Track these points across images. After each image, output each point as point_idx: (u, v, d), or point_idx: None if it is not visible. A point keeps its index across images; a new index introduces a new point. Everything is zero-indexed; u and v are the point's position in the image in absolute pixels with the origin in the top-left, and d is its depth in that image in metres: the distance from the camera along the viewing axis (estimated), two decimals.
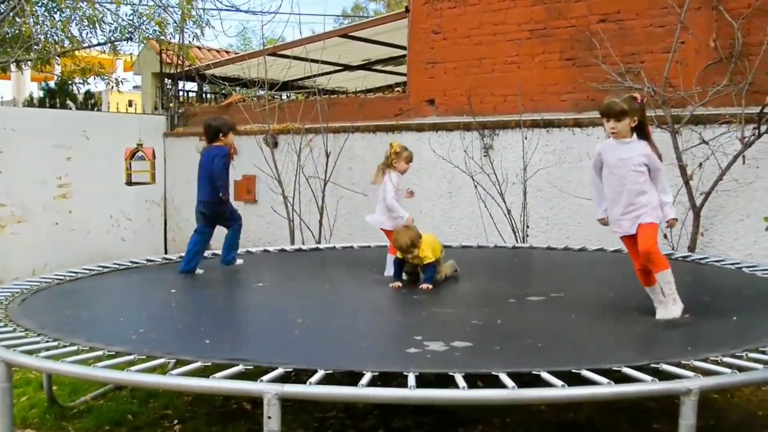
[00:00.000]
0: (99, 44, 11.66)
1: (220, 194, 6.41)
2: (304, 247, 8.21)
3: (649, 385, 3.28)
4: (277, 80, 10.91)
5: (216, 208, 6.51)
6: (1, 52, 11.17)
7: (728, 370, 3.43)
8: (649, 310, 4.81)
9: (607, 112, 4.60)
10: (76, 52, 11.79)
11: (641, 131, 4.68)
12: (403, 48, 10.61)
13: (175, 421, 5.09)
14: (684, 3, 7.62)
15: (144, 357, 3.72)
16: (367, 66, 14.54)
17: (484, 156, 8.88)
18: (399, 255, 5.80)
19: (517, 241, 8.47)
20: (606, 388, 3.24)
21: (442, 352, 3.86)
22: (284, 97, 12.38)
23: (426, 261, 5.79)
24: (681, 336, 4.37)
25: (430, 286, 5.69)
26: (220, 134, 6.52)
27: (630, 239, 4.72)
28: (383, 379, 3.48)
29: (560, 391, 3.23)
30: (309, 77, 12.15)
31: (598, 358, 3.65)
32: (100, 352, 3.83)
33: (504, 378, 3.31)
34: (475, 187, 8.82)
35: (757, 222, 7.18)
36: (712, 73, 7.61)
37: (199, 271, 6.39)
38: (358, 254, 7.60)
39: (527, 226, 8.54)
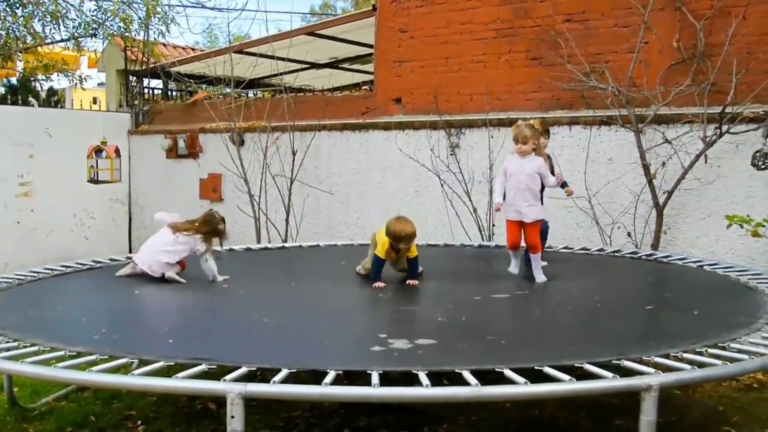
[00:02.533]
0: (62, 40, 11.57)
1: None
2: (270, 246, 8.17)
3: (610, 382, 3.29)
4: (243, 78, 10.86)
5: None
6: None
7: (688, 366, 3.46)
8: (612, 309, 4.86)
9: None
10: (39, 48, 11.64)
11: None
12: (370, 46, 10.60)
13: (139, 422, 5.04)
14: (648, 3, 7.70)
15: (106, 357, 3.67)
16: (334, 64, 14.50)
17: (451, 155, 8.91)
18: (382, 254, 5.70)
19: (483, 239, 8.51)
20: (567, 385, 3.26)
21: (406, 350, 3.85)
22: (251, 95, 12.34)
23: (413, 254, 5.78)
24: (643, 332, 4.42)
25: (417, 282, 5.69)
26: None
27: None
28: (348, 378, 3.49)
29: (523, 388, 3.24)
30: (275, 75, 12.10)
31: (561, 355, 3.66)
32: (62, 353, 3.77)
33: (467, 375, 3.32)
34: (442, 185, 8.85)
35: (719, 220, 7.27)
36: (675, 73, 7.70)
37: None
38: (324, 253, 7.58)
39: (493, 225, 8.58)
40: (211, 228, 6.00)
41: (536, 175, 5.93)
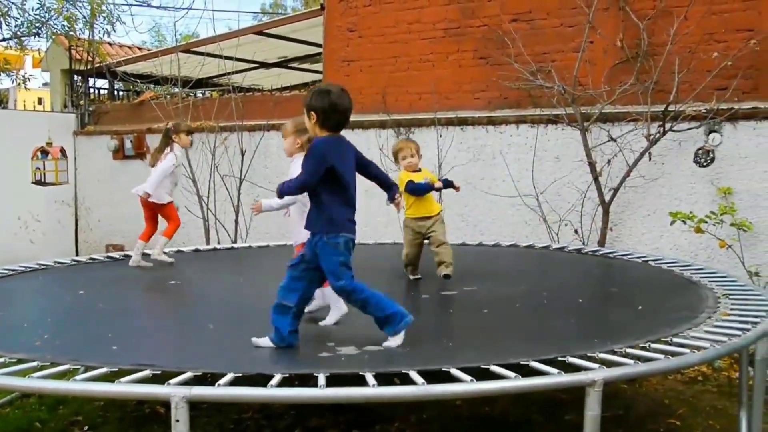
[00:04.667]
0: (4, 39, 11.30)
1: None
2: (219, 247, 8.11)
3: (554, 378, 3.33)
4: (191, 77, 10.76)
5: None
6: None
7: (632, 361, 3.52)
8: (559, 305, 4.92)
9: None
10: None
11: None
12: (319, 46, 10.58)
13: (86, 428, 4.99)
14: (592, 3, 7.80)
15: (48, 364, 3.60)
16: (283, 63, 14.45)
17: None
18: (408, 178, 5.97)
19: None
20: (513, 382, 3.28)
21: (353, 355, 3.85)
22: (198, 94, 12.22)
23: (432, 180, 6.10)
24: (588, 329, 4.47)
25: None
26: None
27: None
28: (299, 382, 3.47)
29: (469, 385, 3.27)
30: (224, 75, 12.03)
31: (508, 354, 3.69)
32: (2, 360, 3.68)
33: (414, 375, 3.34)
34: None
35: (663, 217, 7.41)
36: (620, 72, 7.82)
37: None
38: (274, 253, 7.54)
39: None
40: (171, 132, 6.81)
41: None
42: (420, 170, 6.01)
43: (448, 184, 6.14)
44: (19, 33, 11.37)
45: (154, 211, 6.82)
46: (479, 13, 8.63)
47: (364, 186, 9.21)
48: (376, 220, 9.03)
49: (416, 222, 5.93)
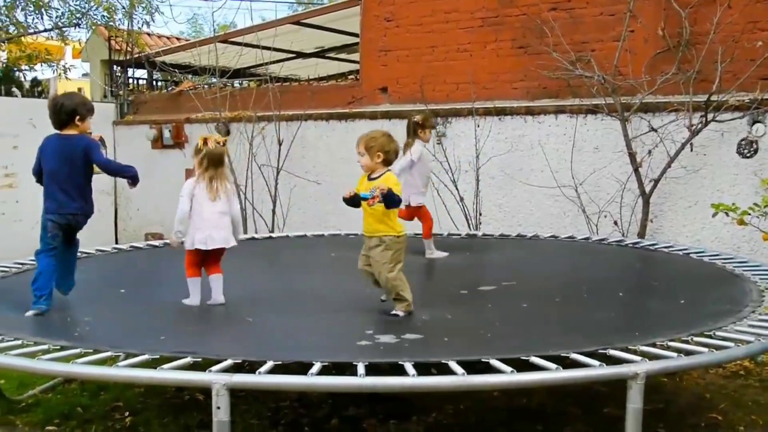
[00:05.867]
0: (45, 30, 11.46)
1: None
2: (257, 236, 8.14)
3: (596, 370, 3.31)
4: (228, 68, 10.80)
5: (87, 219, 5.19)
6: None
7: (674, 354, 3.48)
8: (599, 298, 4.88)
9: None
10: (22, 38, 11.53)
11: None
12: (356, 35, 10.57)
13: (126, 413, 5.02)
14: None
15: (90, 350, 3.65)
16: (320, 53, 14.45)
17: (437, 144, 8.88)
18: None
19: (469, 228, 8.50)
20: (554, 374, 3.27)
21: (392, 344, 3.86)
22: (236, 84, 12.27)
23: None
24: (630, 321, 4.44)
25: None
26: (77, 118, 4.96)
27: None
28: (336, 371, 3.49)
29: (509, 377, 3.25)
30: (261, 65, 12.05)
31: (548, 345, 3.67)
32: (46, 346, 3.74)
33: (453, 365, 3.33)
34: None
35: (704, 208, 7.30)
36: (661, 61, 7.71)
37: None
38: (311, 243, 7.56)
39: (480, 214, 8.58)
40: (418, 127, 6.61)
41: None
42: (380, 175, 4.70)
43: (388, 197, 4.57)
44: (60, 24, 11.50)
45: (411, 213, 6.59)
46: (518, 2, 8.55)
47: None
48: None
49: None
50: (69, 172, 4.90)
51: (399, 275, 4.55)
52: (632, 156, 7.66)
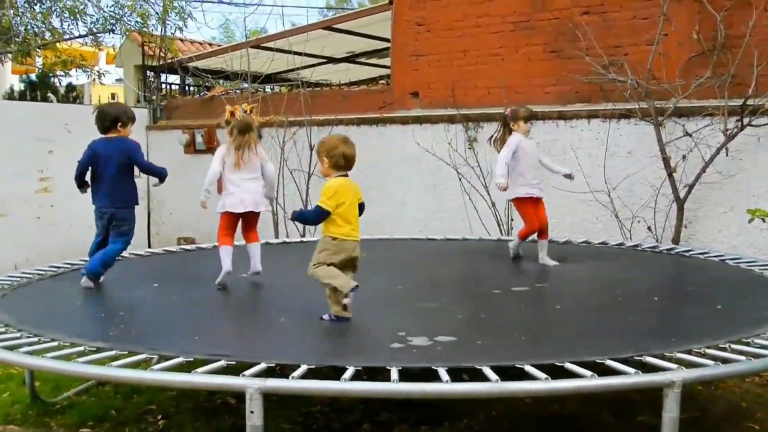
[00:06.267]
0: (80, 36, 11.57)
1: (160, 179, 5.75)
2: (289, 240, 8.17)
3: (632, 378, 3.27)
4: (260, 73, 10.86)
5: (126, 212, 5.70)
6: None
7: (711, 362, 3.43)
8: (634, 304, 4.82)
9: (535, 116, 6.75)
10: (58, 44, 11.67)
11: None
12: (387, 40, 10.58)
13: (159, 417, 5.05)
14: None
15: (126, 353, 3.69)
16: (351, 58, 14.49)
17: (469, 148, 8.87)
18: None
19: (501, 233, 8.47)
20: (589, 381, 3.23)
21: (425, 347, 3.84)
22: (267, 89, 12.33)
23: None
24: (665, 328, 4.37)
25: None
26: (119, 124, 5.61)
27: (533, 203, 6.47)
28: (368, 374, 3.48)
29: (544, 384, 3.22)
30: (292, 70, 12.08)
31: (582, 351, 3.65)
32: (82, 348, 3.80)
33: (487, 371, 3.30)
34: (460, 179, 8.82)
35: (740, 214, 7.19)
36: (695, 65, 7.63)
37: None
38: None
39: (512, 219, 8.54)
40: (509, 119, 6.53)
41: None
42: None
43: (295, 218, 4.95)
44: (94, 30, 11.62)
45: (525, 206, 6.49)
46: (550, 6, 8.51)
47: (431, 181, 9.28)
48: (444, 215, 9.03)
49: None
50: (112, 169, 5.52)
51: (323, 272, 4.51)
52: (666, 161, 7.59)
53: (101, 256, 5.58)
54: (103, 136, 5.65)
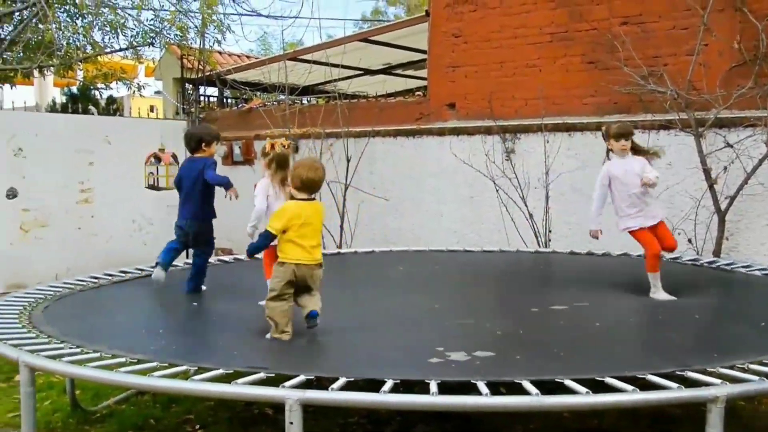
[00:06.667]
0: (121, 49, 11.72)
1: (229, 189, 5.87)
2: (325, 252, 8.16)
3: (674, 393, 3.23)
4: (297, 85, 10.91)
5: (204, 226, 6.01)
6: (24, 58, 11.23)
7: (755, 378, 3.38)
8: (674, 318, 4.75)
9: (627, 134, 5.78)
10: (99, 58, 11.84)
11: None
12: (424, 52, 10.59)
13: (198, 426, 5.08)
14: (707, 5, 7.55)
15: (166, 364, 3.72)
16: (388, 70, 14.52)
17: (506, 160, 8.84)
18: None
19: (539, 246, 8.42)
20: (631, 395, 3.20)
21: (464, 362, 3.83)
22: (305, 101, 12.39)
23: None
24: (707, 343, 4.32)
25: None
26: (203, 144, 5.95)
27: (647, 230, 5.70)
28: (404, 388, 3.46)
29: (584, 398, 3.19)
30: (329, 82, 12.13)
31: (622, 366, 3.61)
32: (123, 359, 3.84)
33: (527, 385, 3.28)
34: (497, 191, 8.78)
35: None
36: (737, 75, 7.53)
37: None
38: (379, 259, 7.56)
39: (550, 231, 8.48)
40: (605, 137, 5.98)
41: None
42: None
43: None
44: (134, 43, 11.77)
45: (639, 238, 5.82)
46: (587, 17, 8.46)
47: (468, 193, 9.25)
48: (481, 227, 8.98)
49: None
50: (190, 187, 5.88)
51: (269, 306, 4.49)
52: (707, 172, 7.49)
53: (194, 277, 6.00)
54: (190, 156, 6.04)
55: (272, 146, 5.40)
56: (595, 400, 3.20)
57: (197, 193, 5.88)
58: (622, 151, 5.74)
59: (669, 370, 3.49)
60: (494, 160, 8.86)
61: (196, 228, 5.95)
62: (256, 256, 4.89)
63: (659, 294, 5.55)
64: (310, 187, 4.54)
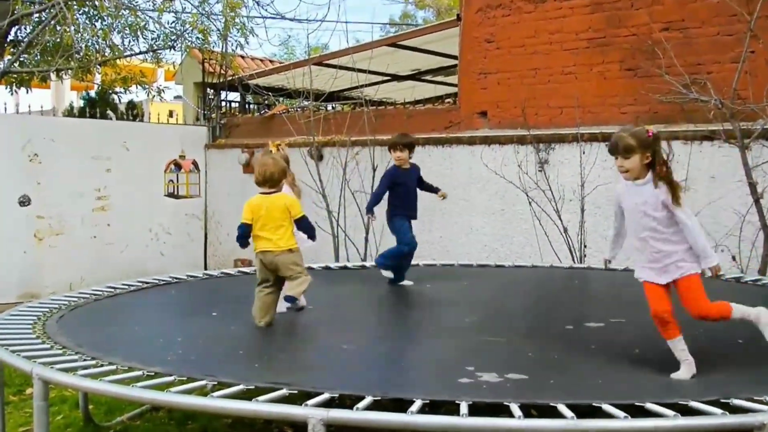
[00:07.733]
0: (141, 52, 11.51)
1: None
2: (349, 265, 7.90)
3: (719, 419, 3.04)
4: (322, 91, 10.68)
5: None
6: (42, 61, 11.05)
7: None
8: (718, 341, 4.47)
9: (612, 149, 3.97)
10: (118, 61, 11.63)
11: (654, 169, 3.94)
12: (454, 57, 10.32)
13: None
14: (754, 10, 7.21)
15: (184, 378, 3.56)
16: (416, 76, 14.26)
17: (539, 171, 8.51)
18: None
19: (574, 261, 8.09)
20: (673, 421, 3.00)
21: (495, 383, 3.65)
22: (330, 108, 12.13)
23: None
24: (752, 368, 4.05)
25: None
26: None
27: (659, 287, 4.01)
28: (430, 408, 3.30)
29: (623, 422, 3.01)
30: (356, 88, 11.86)
31: (663, 392, 3.47)
32: (139, 372, 3.68)
33: (563, 409, 3.10)
34: (530, 203, 8.45)
35: None
36: None
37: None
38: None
39: (585, 245, 8.14)
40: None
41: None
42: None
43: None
44: (155, 46, 11.55)
45: None
46: (627, 22, 8.16)
47: (499, 205, 8.93)
48: (513, 240, 8.66)
49: None
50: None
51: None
52: (753, 186, 7.13)
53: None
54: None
55: (278, 148, 5.54)
56: (634, 425, 3.00)
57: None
58: (625, 175, 3.98)
59: (713, 398, 3.27)
60: (527, 171, 8.53)
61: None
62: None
63: (679, 374, 3.87)
64: (263, 182, 4.92)
